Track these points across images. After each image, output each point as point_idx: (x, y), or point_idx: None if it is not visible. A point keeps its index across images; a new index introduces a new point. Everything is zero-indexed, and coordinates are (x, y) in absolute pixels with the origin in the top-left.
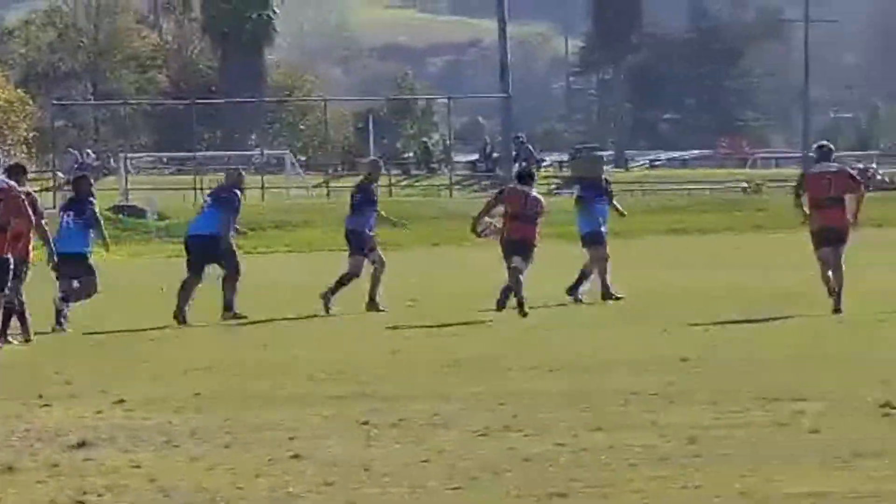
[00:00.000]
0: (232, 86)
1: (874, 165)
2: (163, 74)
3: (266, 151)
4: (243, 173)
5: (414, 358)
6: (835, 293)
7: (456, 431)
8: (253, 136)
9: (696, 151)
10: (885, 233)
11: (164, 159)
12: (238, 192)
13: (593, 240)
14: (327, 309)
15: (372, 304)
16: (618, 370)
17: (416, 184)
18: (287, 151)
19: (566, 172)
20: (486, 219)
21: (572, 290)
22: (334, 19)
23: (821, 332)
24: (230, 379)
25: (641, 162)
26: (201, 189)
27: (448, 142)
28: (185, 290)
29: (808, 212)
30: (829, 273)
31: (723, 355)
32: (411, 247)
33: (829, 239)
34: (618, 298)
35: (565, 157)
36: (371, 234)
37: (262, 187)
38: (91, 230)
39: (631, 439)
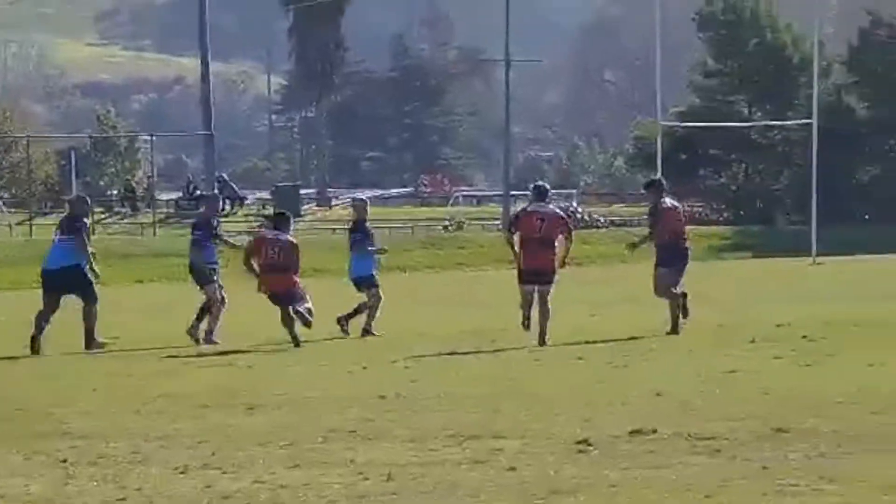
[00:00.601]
0: None
1: (574, 204)
2: None
3: None
4: (89, 200)
5: (114, 395)
6: (527, 323)
7: (155, 469)
8: None
9: (397, 190)
10: (586, 271)
11: None
12: (87, 220)
13: (368, 283)
14: (196, 340)
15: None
16: (316, 407)
17: (120, 221)
18: None
19: (268, 210)
20: None
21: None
22: (35, 55)
23: (520, 370)
24: None
25: (344, 200)
26: None
27: (151, 179)
28: (39, 319)
29: (518, 250)
30: (529, 308)
31: (421, 392)
32: (114, 284)
33: (538, 279)
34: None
35: (267, 195)
36: (214, 265)
37: None
38: None
39: (329, 477)
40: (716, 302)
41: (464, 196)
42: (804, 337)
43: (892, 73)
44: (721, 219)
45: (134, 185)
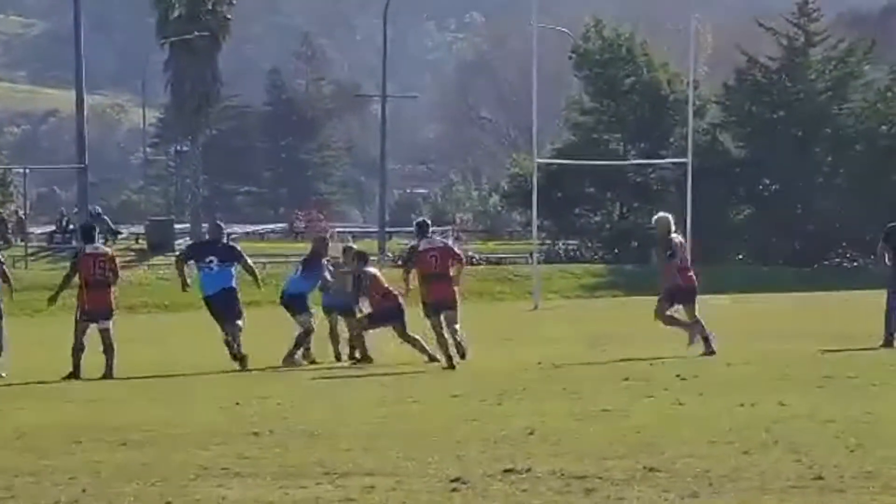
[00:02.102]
0: None
1: (450, 241)
2: None
3: None
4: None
5: None
6: (447, 354)
7: None
8: None
9: (272, 225)
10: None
11: None
12: None
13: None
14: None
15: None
16: (188, 443)
17: None
18: None
19: (142, 245)
20: None
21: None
22: None
23: (393, 407)
24: None
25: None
26: None
27: (24, 213)
28: None
29: (415, 286)
30: (445, 335)
31: (293, 428)
32: None
33: (444, 307)
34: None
35: (141, 229)
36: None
37: None
38: None
39: None
40: (590, 340)
41: (339, 232)
42: (677, 376)
43: (766, 114)
44: (596, 257)
45: (5, 217)
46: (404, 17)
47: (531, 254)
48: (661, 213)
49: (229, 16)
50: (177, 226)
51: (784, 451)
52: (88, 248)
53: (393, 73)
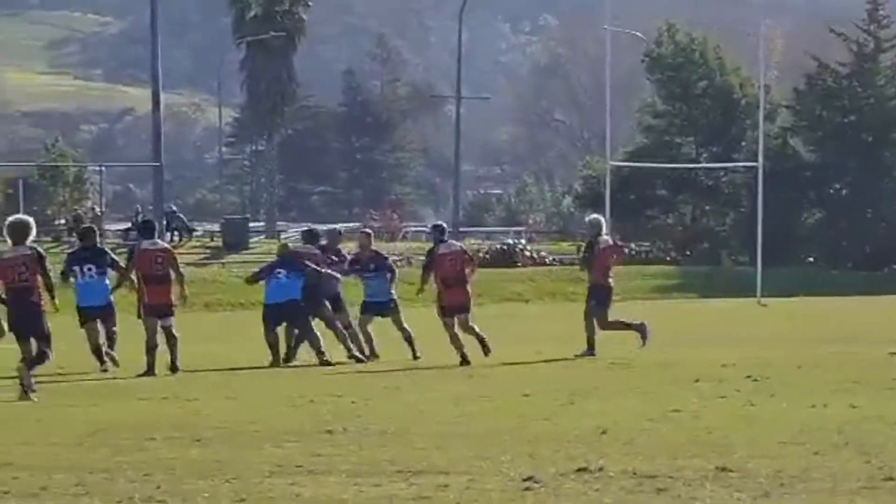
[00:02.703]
0: None
1: (522, 241)
2: None
3: None
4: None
5: (57, 427)
6: (462, 352)
7: (99, 502)
8: None
9: (345, 224)
10: (531, 308)
11: None
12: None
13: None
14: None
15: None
16: (262, 440)
17: (68, 251)
18: None
19: (217, 243)
20: None
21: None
22: None
23: (466, 406)
24: None
25: (292, 234)
26: None
27: (100, 210)
28: None
29: (428, 287)
30: (459, 334)
31: (367, 427)
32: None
33: (459, 310)
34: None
35: (216, 227)
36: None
37: None
38: None
39: None
40: (662, 341)
41: (413, 231)
42: (748, 377)
43: (836, 118)
44: (667, 259)
45: (82, 214)
46: (478, 18)
47: None
48: (593, 215)
49: (305, 16)
50: (251, 224)
51: (854, 453)
52: (146, 244)
53: (467, 74)
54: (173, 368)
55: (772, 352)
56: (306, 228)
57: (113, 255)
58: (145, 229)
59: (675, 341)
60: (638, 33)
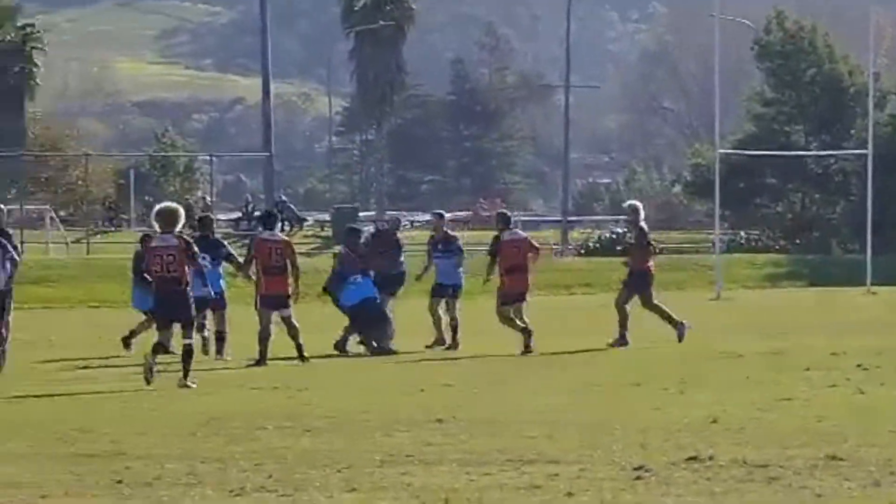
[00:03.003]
0: None
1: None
2: None
3: (26, 206)
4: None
5: (170, 416)
6: (523, 330)
7: (211, 491)
8: (13, 191)
9: (454, 213)
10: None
11: None
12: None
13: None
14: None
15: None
16: (372, 430)
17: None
18: (48, 207)
19: (327, 232)
20: None
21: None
22: (96, 73)
23: (575, 395)
24: None
25: (403, 223)
26: None
27: (210, 199)
28: None
29: (494, 274)
30: (515, 319)
31: (477, 416)
32: None
33: (520, 299)
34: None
35: (327, 217)
36: None
37: (21, 242)
38: None
39: (386, 501)
40: (771, 330)
41: (522, 220)
42: (858, 366)
43: None
44: (777, 247)
45: (192, 204)
46: (587, 7)
47: (713, 243)
48: (631, 200)
49: (414, 5)
50: (361, 214)
51: None
52: (265, 234)
53: (576, 63)
54: (301, 358)
55: (882, 340)
56: (349, 226)
57: (230, 249)
58: (268, 220)
59: (785, 330)
60: (746, 21)
